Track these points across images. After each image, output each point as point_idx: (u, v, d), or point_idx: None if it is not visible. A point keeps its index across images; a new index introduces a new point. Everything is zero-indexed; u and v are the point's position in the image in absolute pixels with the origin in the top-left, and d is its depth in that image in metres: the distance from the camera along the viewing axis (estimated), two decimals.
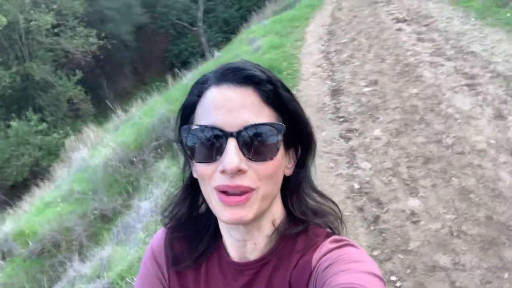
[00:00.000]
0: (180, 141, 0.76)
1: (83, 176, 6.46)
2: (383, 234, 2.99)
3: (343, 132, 4.55)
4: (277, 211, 0.79)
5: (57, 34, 16.56)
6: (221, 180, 0.68)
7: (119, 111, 9.93)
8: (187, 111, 0.75)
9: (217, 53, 10.77)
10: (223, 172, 0.67)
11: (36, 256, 5.07)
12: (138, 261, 3.14)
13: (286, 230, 0.78)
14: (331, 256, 0.71)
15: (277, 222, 0.79)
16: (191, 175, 0.80)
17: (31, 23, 14.72)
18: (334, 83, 5.98)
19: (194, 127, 0.70)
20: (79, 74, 16.31)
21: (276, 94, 0.72)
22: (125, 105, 10.92)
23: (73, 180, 6.62)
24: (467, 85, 4.92)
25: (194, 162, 0.72)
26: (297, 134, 0.76)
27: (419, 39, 6.94)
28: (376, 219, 3.16)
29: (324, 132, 4.57)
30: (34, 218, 5.81)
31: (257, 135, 0.68)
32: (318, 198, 0.82)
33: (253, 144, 0.68)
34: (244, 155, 0.68)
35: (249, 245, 0.78)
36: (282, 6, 15.25)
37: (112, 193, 5.83)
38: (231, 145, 0.67)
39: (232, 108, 0.69)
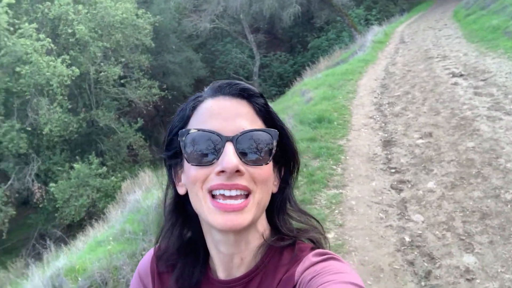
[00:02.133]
0: (168, 156, 0.79)
1: (135, 217, 6.63)
2: None
3: (395, 183, 4.43)
4: (263, 226, 0.80)
5: (122, 85, 17.76)
6: (217, 180, 0.70)
7: None
8: (181, 125, 0.78)
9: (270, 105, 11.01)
10: (220, 173, 0.69)
11: None
12: None
13: (274, 242, 0.78)
14: (315, 269, 0.71)
15: (266, 234, 0.80)
16: (175, 196, 0.82)
17: (101, 74, 15.92)
18: (386, 134, 5.90)
19: (192, 131, 0.72)
20: (140, 122, 17.20)
21: (267, 108, 0.77)
22: None
23: (125, 220, 6.81)
24: None
25: (190, 165, 0.72)
26: (283, 149, 0.78)
27: (476, 93, 6.75)
28: (428, 274, 2.98)
29: (374, 182, 4.47)
30: (86, 255, 5.97)
31: (252, 140, 0.71)
32: (302, 216, 0.84)
33: (249, 148, 0.71)
34: (240, 159, 0.70)
35: (236, 260, 0.78)
36: (336, 61, 15.52)
37: None
38: (229, 148, 0.69)
39: (228, 116, 0.72)
